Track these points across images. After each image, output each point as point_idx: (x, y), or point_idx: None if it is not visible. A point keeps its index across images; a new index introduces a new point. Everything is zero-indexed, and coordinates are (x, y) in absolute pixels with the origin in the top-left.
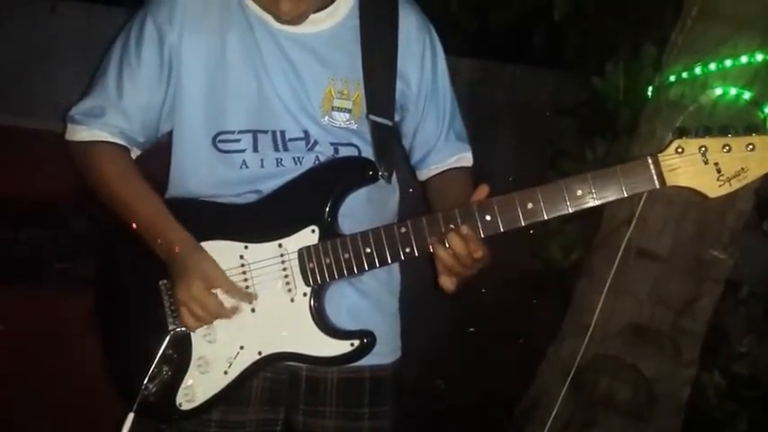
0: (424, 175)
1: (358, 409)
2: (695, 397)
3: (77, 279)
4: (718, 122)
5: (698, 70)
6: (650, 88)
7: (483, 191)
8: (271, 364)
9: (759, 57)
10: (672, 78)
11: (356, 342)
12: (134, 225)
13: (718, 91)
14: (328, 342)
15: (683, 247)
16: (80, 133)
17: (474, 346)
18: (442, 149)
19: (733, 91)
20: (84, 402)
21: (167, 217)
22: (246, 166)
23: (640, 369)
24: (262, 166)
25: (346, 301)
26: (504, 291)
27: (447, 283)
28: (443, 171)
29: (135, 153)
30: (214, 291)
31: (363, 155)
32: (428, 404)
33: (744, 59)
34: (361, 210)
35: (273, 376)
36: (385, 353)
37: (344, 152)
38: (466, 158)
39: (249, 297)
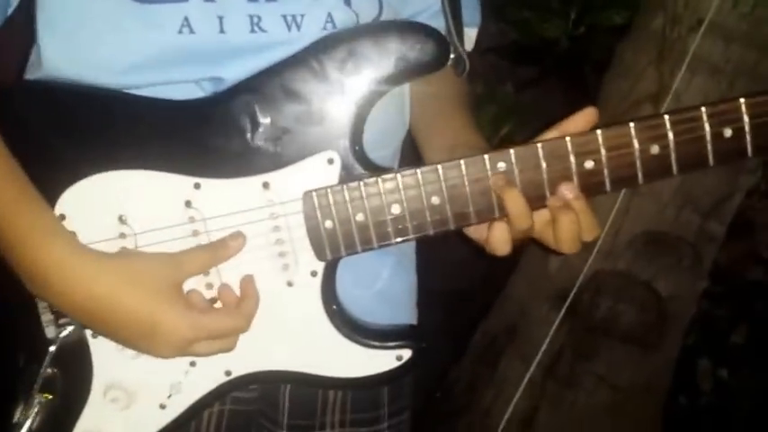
0: None
1: (373, 425)
2: None
3: None
4: None
5: None
6: None
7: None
8: (241, 389)
9: None
10: None
11: (405, 353)
12: None
13: None
14: (357, 354)
15: None
16: None
17: None
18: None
19: None
20: None
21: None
22: (191, 30)
23: (655, 287)
24: (222, 30)
25: (366, 271)
26: None
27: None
28: None
29: None
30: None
31: (385, 16)
32: None
33: None
34: (382, 110)
35: (236, 408)
36: None
37: (361, 3)
38: (469, 37)
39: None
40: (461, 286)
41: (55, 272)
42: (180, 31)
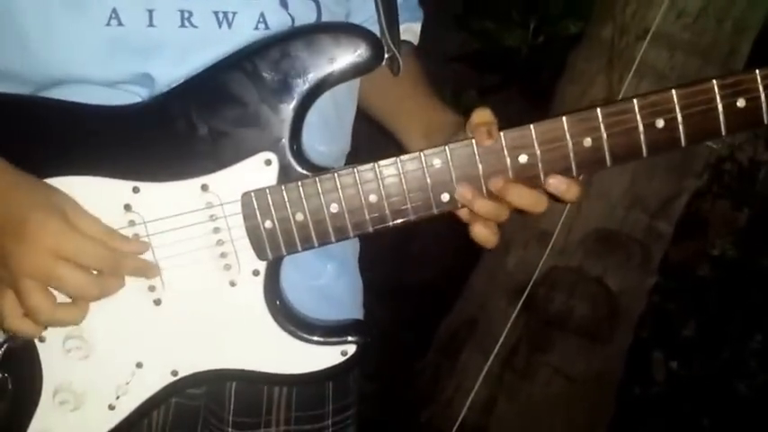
0: None
1: (317, 423)
2: None
3: None
4: None
5: None
6: None
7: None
8: (188, 388)
9: None
10: None
11: (349, 348)
12: None
13: None
14: (301, 350)
15: None
16: None
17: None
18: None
19: None
20: None
21: None
22: (119, 22)
23: (606, 282)
24: (151, 24)
25: (310, 266)
26: None
27: (487, 235)
28: None
29: None
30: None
31: (324, 18)
32: None
33: None
34: (324, 110)
35: (181, 401)
36: None
37: (298, 7)
38: (413, 31)
39: (151, 269)
40: (431, 281)
41: None
42: (108, 23)
